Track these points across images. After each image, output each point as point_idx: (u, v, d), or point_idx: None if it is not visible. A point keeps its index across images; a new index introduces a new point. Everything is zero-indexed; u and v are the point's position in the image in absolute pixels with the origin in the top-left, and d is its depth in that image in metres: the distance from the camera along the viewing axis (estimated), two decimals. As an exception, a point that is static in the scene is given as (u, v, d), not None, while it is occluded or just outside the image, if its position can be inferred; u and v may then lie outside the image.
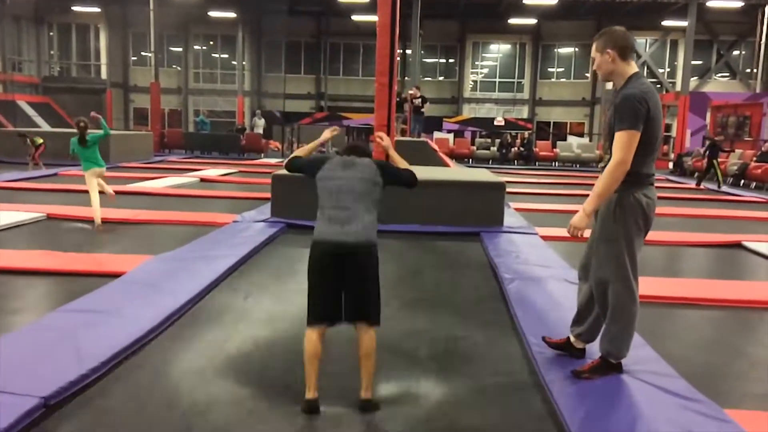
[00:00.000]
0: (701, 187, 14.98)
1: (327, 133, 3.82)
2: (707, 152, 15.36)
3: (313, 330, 2.98)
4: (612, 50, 3.13)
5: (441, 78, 32.60)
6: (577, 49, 31.74)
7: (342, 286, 3.00)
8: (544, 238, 7.25)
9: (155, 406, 2.92)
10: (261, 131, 24.03)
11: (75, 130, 7.38)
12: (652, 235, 7.74)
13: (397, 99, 15.54)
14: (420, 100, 15.67)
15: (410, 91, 16.31)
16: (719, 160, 15.16)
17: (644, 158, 3.06)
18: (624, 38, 3.16)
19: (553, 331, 3.88)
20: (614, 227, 3.12)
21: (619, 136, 3.00)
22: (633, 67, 3.14)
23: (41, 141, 13.86)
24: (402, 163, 3.53)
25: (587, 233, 3.29)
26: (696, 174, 13.43)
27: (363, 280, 3.00)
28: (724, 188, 14.89)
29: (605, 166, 3.10)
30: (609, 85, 29.48)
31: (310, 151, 3.60)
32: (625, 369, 3.29)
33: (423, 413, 2.95)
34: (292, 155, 3.51)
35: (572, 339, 3.50)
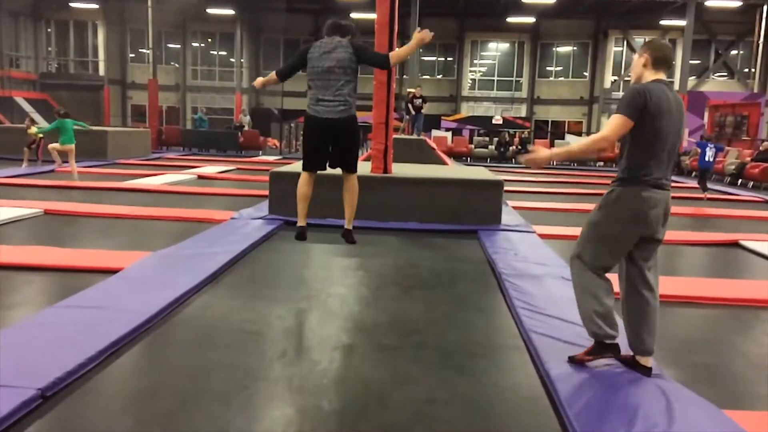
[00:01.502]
0: (706, 196, 12.72)
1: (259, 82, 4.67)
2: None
3: (305, 174, 4.06)
4: (648, 55, 3.25)
5: (439, 76, 32.61)
6: (575, 48, 31.78)
7: (329, 145, 4.03)
8: (542, 236, 7.26)
9: (152, 397, 2.92)
10: (247, 128, 24.18)
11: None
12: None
13: (408, 101, 15.63)
14: (420, 100, 15.72)
15: (411, 90, 16.33)
16: (717, 159, 14.41)
17: (643, 157, 3.12)
18: (661, 49, 3.27)
19: (551, 326, 3.89)
20: (600, 214, 3.25)
21: (612, 118, 3.14)
22: (658, 76, 3.22)
23: (41, 135, 13.79)
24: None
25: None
26: (695, 173, 12.29)
27: (347, 142, 4.05)
28: (722, 188, 14.91)
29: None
30: (607, 84, 29.58)
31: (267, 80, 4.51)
32: (621, 369, 3.30)
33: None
34: (275, 71, 4.39)
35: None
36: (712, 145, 11.55)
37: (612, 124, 3.10)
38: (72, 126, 11.27)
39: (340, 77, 3.92)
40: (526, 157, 3.31)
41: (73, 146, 11.27)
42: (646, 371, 3.23)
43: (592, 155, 3.38)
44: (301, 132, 4.13)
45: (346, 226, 4.19)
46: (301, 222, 4.09)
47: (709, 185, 15.33)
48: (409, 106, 15.92)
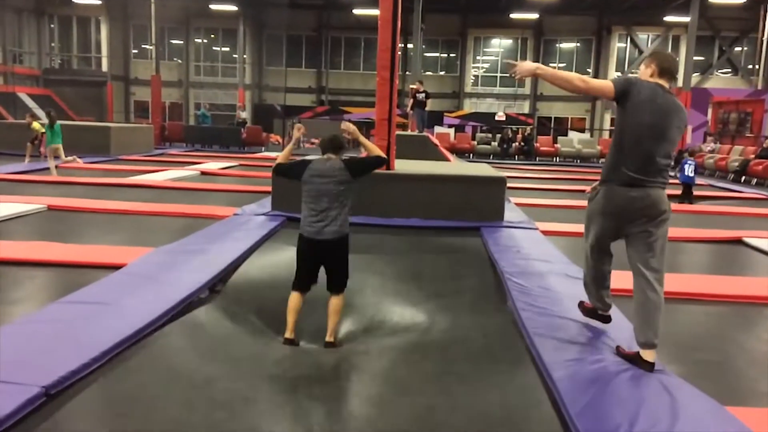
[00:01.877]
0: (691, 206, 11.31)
1: (296, 132, 4.71)
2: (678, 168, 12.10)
3: (295, 292, 4.00)
4: (655, 66, 3.46)
5: (442, 72, 32.55)
6: (578, 44, 31.69)
7: (320, 265, 4.02)
8: (545, 233, 7.25)
9: (156, 395, 2.92)
10: (241, 120, 24.33)
11: (72, 122, 10.11)
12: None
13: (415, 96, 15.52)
14: (423, 95, 15.63)
15: (413, 86, 16.27)
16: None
17: (617, 154, 3.37)
18: (667, 60, 3.52)
19: (553, 325, 3.89)
20: (588, 210, 3.64)
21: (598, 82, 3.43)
22: (660, 82, 3.42)
23: (43, 130, 13.78)
24: (373, 149, 4.24)
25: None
26: (681, 194, 11.07)
27: (335, 263, 4.02)
28: (726, 185, 14.88)
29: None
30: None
31: (287, 154, 4.40)
32: (625, 366, 3.30)
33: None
34: (276, 162, 4.35)
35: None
36: (692, 161, 11.47)
37: (599, 82, 3.40)
38: (59, 127, 12.03)
39: (333, 202, 3.93)
40: (513, 67, 3.40)
41: (59, 146, 11.90)
42: (648, 366, 3.28)
43: (567, 87, 3.57)
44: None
45: (327, 339, 3.88)
46: (288, 334, 3.82)
47: (712, 182, 15.31)
48: (411, 101, 15.87)
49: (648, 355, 3.30)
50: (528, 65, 3.38)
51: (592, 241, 3.64)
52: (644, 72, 3.47)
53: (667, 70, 3.45)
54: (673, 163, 3.63)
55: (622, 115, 3.32)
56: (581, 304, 4.03)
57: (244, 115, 26.22)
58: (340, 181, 3.92)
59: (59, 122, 12.20)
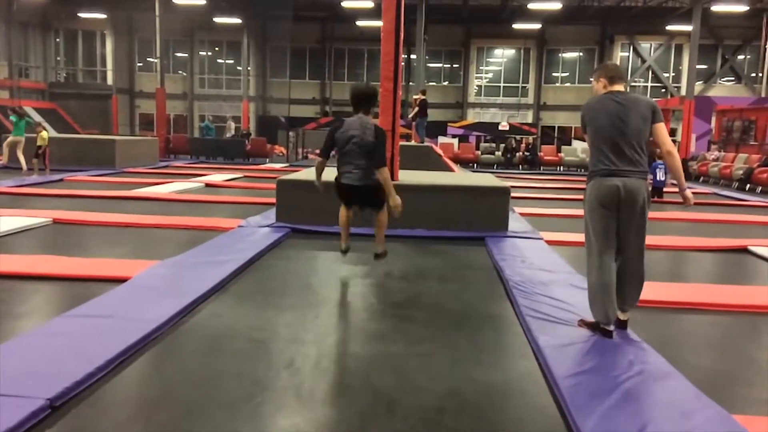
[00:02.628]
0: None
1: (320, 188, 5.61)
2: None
3: (343, 209, 5.27)
4: (603, 78, 4.01)
5: (445, 83, 32.66)
6: (581, 54, 31.78)
7: (357, 201, 5.24)
8: (549, 242, 7.25)
9: (161, 407, 2.92)
10: (232, 132, 24.39)
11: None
12: (657, 240, 7.70)
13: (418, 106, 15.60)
14: (422, 103, 15.71)
15: (416, 96, 16.34)
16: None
17: (596, 153, 3.90)
18: (612, 70, 4.04)
19: (559, 334, 3.88)
20: (586, 213, 4.00)
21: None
22: (612, 89, 3.96)
23: (45, 142, 13.81)
24: (391, 194, 5.12)
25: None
26: (702, 178, 11.52)
27: (370, 199, 5.24)
28: (730, 193, 14.85)
29: None
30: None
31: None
32: (632, 373, 3.29)
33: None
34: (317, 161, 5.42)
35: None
36: (662, 165, 11.70)
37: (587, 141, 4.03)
38: (24, 124, 14.06)
39: (363, 154, 5.03)
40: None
41: (23, 138, 13.90)
42: (621, 324, 3.98)
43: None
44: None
45: (375, 250, 5.36)
46: (343, 245, 5.34)
47: (717, 191, 15.28)
48: (414, 111, 15.93)
49: (624, 316, 3.97)
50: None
51: (600, 237, 3.86)
52: (597, 87, 4.03)
53: (616, 77, 3.98)
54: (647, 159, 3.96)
55: (588, 129, 3.95)
56: (581, 323, 4.11)
57: (234, 126, 26.43)
58: (367, 144, 4.93)
59: (26, 119, 14.29)
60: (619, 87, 3.94)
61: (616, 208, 3.79)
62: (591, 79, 4.16)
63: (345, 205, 5.31)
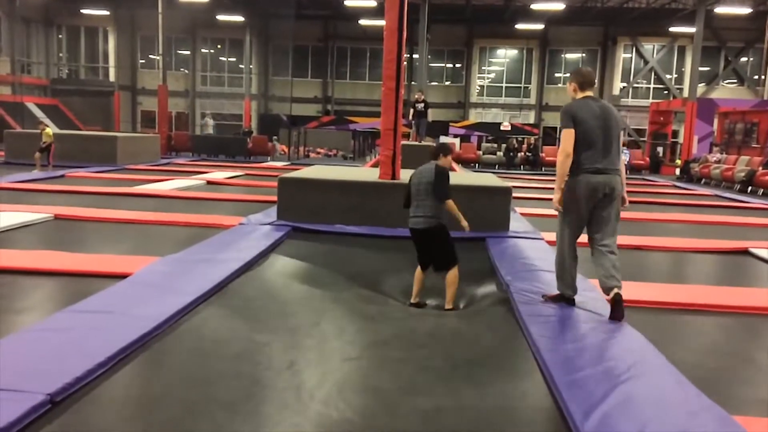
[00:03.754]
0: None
1: None
2: None
3: (419, 269, 5.01)
4: (575, 83, 4.45)
5: (448, 82, 32.65)
6: (584, 55, 31.75)
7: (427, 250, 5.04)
8: (550, 243, 7.22)
9: (160, 404, 2.92)
10: (210, 131, 24.20)
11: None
12: (658, 241, 7.69)
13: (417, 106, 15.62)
14: (423, 105, 15.70)
15: (416, 95, 16.36)
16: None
17: (577, 153, 4.24)
18: (584, 75, 4.47)
19: (558, 335, 3.88)
20: (564, 203, 4.38)
21: (562, 134, 4.34)
22: (585, 94, 4.41)
23: (51, 139, 13.84)
24: (461, 219, 5.16)
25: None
26: (704, 180, 12.30)
27: (435, 246, 4.99)
28: (732, 195, 14.84)
29: None
30: (616, 91, 29.52)
31: None
32: (633, 374, 3.29)
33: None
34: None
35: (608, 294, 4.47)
36: (626, 150, 11.99)
37: (564, 139, 4.28)
38: None
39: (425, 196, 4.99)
40: (553, 203, 4.43)
41: None
42: (618, 298, 4.27)
43: (567, 166, 4.47)
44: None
45: (446, 306, 4.85)
46: (414, 299, 4.93)
47: (718, 193, 15.26)
48: (412, 111, 15.96)
49: (615, 294, 4.22)
50: (556, 198, 4.38)
51: (575, 225, 4.42)
52: (569, 90, 4.49)
53: (586, 83, 4.42)
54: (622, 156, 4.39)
55: (578, 129, 4.25)
56: (546, 297, 4.67)
57: (212, 123, 25.97)
58: (428, 183, 4.96)
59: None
60: (589, 92, 4.41)
61: (596, 202, 4.28)
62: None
63: (420, 259, 5.06)
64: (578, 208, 4.31)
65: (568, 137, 4.25)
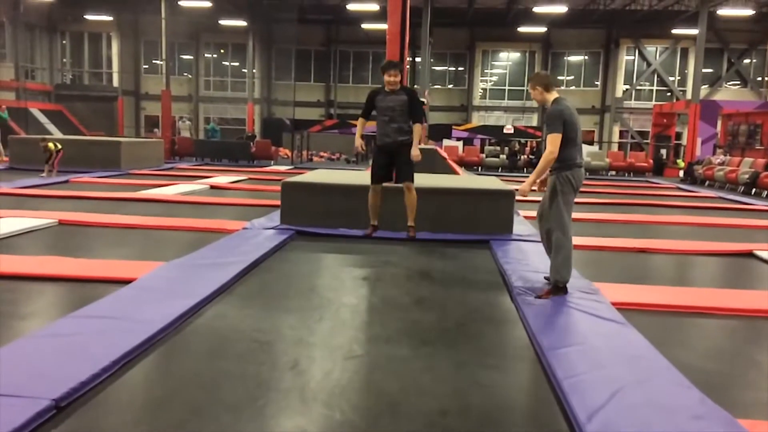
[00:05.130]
0: None
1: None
2: None
3: (374, 187, 6.39)
4: (540, 87, 4.88)
5: (450, 86, 32.68)
6: (587, 57, 31.76)
7: (391, 164, 6.43)
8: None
9: (165, 408, 2.93)
10: (188, 134, 24.14)
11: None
12: (661, 244, 7.68)
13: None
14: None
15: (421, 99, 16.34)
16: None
17: (572, 149, 4.75)
18: (545, 77, 4.96)
19: (563, 337, 3.87)
20: (556, 195, 4.79)
21: (550, 137, 4.73)
22: (554, 95, 4.88)
23: (60, 147, 13.92)
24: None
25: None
26: (708, 182, 13.57)
27: (402, 161, 6.44)
28: (736, 197, 14.81)
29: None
30: (619, 93, 29.70)
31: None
32: (636, 377, 3.29)
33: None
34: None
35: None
36: None
37: (552, 141, 4.70)
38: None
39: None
40: (519, 190, 4.93)
41: None
42: (564, 292, 4.90)
43: (551, 163, 4.79)
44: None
45: (408, 223, 6.54)
46: (373, 221, 6.35)
47: (722, 195, 15.23)
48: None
49: (563, 285, 4.83)
50: (525, 186, 4.97)
51: (569, 215, 4.86)
52: (536, 94, 4.90)
53: (550, 83, 4.89)
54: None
55: (568, 128, 4.72)
56: (541, 295, 4.89)
57: (187, 125, 25.62)
58: (402, 104, 6.27)
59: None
60: (556, 94, 4.88)
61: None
62: (531, 86, 4.97)
63: (375, 175, 6.58)
64: (572, 198, 4.88)
65: (557, 140, 4.69)
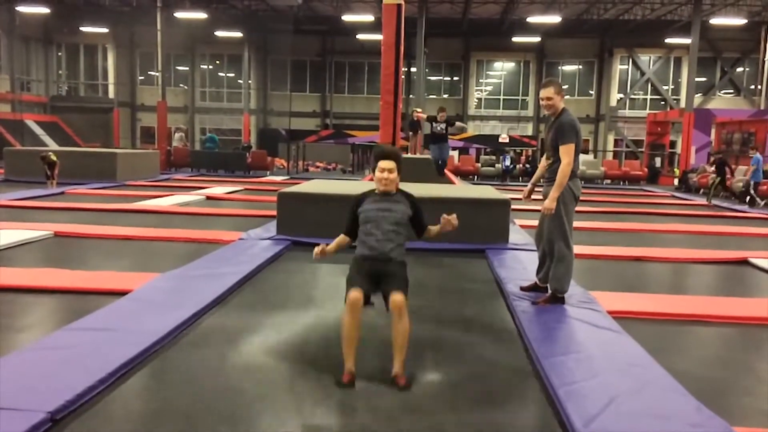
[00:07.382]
0: (710, 203, 15.19)
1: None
2: (716, 168, 16.23)
3: (352, 296, 3.76)
4: (562, 92, 4.94)
5: (445, 96, 32.79)
6: (581, 67, 31.92)
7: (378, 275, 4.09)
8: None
9: (161, 420, 2.92)
10: (180, 145, 24.11)
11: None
12: (657, 252, 7.70)
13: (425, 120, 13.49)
14: (444, 124, 11.26)
15: (418, 110, 16.15)
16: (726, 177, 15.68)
17: (576, 161, 4.81)
18: (561, 85, 5.04)
19: (559, 347, 3.88)
20: (557, 206, 4.76)
21: (567, 147, 4.73)
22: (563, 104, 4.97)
23: (55, 158, 13.91)
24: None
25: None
26: (702, 190, 15.02)
27: (391, 272, 4.09)
28: (731, 205, 14.86)
29: (551, 167, 4.91)
30: (613, 102, 29.80)
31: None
32: (633, 386, 3.29)
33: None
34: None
35: (538, 282, 5.27)
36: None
37: (569, 153, 4.71)
38: None
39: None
40: (544, 209, 4.81)
41: None
42: (545, 290, 5.07)
43: (568, 173, 4.78)
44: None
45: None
46: (348, 366, 3.46)
47: (716, 202, 15.29)
48: (418, 125, 15.86)
49: (561, 295, 4.90)
50: (550, 204, 4.75)
51: (571, 224, 4.91)
52: (553, 102, 4.84)
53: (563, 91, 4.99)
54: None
55: (578, 140, 4.82)
56: (539, 301, 4.95)
57: (178, 136, 25.27)
58: (401, 216, 4.41)
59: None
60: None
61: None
62: (541, 95, 4.97)
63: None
64: (573, 207, 4.93)
65: (572, 150, 4.73)
